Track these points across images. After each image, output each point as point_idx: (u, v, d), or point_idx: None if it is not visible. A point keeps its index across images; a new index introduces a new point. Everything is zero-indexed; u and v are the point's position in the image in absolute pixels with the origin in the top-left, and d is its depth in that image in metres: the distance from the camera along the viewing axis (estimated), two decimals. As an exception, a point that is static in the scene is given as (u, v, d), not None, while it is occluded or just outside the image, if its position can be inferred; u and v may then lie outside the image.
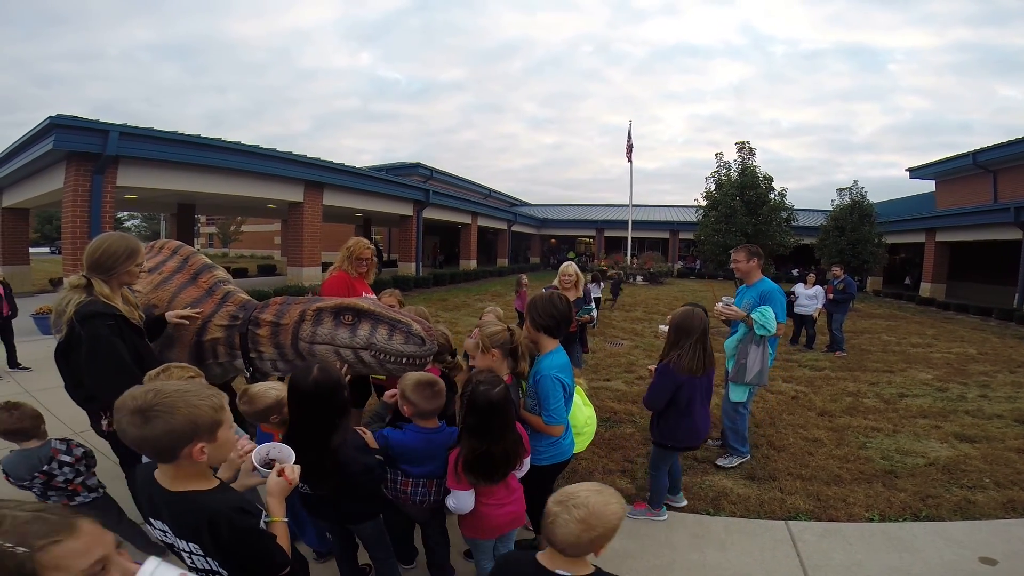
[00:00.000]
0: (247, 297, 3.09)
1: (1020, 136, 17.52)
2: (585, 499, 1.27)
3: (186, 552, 1.32)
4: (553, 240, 35.54)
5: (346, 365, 2.65)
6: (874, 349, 8.90)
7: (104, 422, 2.32)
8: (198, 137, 10.54)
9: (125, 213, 36.87)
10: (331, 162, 14.07)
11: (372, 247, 3.81)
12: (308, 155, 13.17)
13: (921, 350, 8.94)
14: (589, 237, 34.46)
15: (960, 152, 20.61)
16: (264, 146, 12.01)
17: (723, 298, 3.93)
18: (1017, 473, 3.75)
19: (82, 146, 8.60)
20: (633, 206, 25.51)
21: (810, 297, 8.74)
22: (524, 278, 7.87)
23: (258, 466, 1.53)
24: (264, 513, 1.40)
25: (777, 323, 3.69)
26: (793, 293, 8.74)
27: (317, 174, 13.47)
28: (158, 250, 3.36)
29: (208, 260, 3.26)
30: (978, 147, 19.57)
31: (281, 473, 1.47)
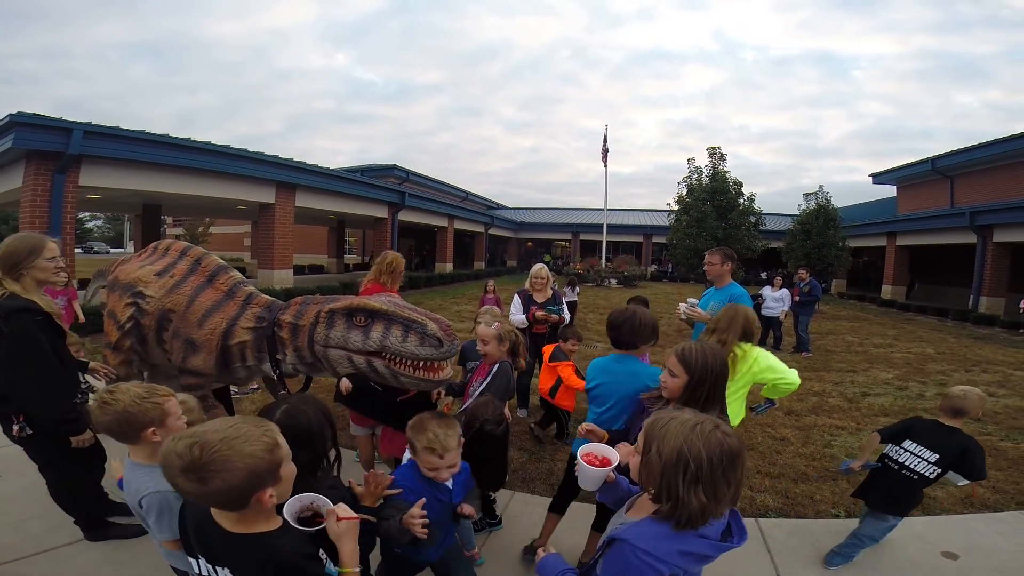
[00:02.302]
0: (270, 298, 3.00)
1: (975, 143, 18.41)
2: None
3: None
4: (530, 243, 35.69)
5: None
6: (838, 350, 9.21)
7: (15, 427, 2.25)
8: (166, 136, 10.30)
9: (87, 214, 35.56)
10: (304, 163, 13.87)
11: (404, 260, 4.22)
12: (281, 156, 12.99)
13: (883, 350, 9.28)
14: (565, 240, 34.75)
15: (920, 158, 21.55)
16: (236, 146, 11.80)
17: (688, 300, 3.92)
18: (972, 469, 3.92)
19: (44, 144, 8.35)
20: (608, 210, 25.81)
21: (777, 299, 8.99)
22: (491, 283, 7.91)
23: (295, 524, 1.34)
24: (326, 561, 1.31)
25: None
26: (760, 296, 8.99)
27: (289, 175, 13.28)
28: (163, 252, 3.22)
29: (221, 261, 3.16)
30: (936, 153, 20.50)
31: (338, 516, 1.35)
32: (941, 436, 2.55)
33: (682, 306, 3.85)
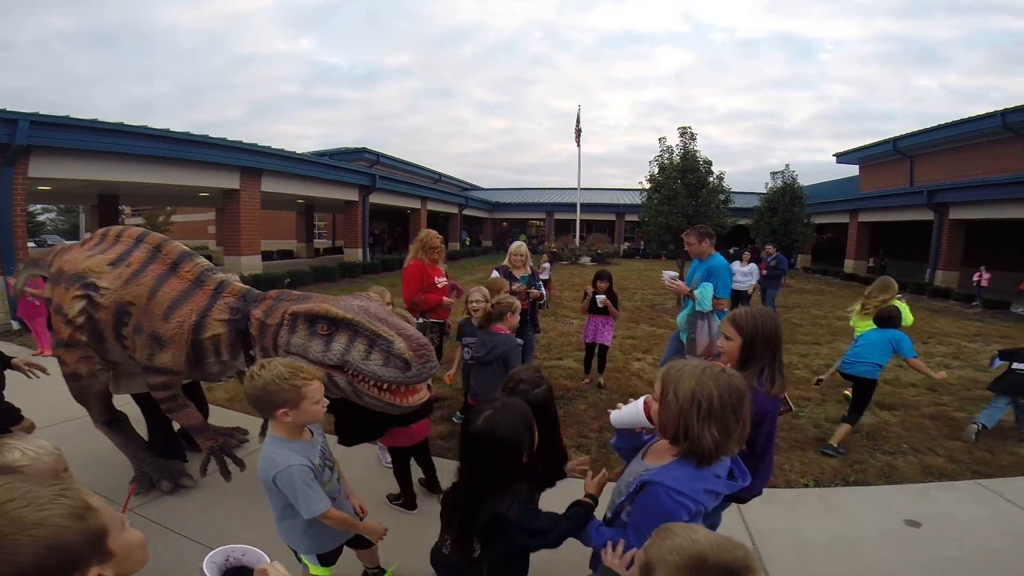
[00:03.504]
0: (244, 286, 2.75)
1: (934, 125, 19.10)
2: None
3: None
4: (504, 223, 35.60)
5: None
6: (804, 323, 9.54)
7: None
8: (121, 125, 9.90)
9: (39, 206, 33.82)
10: (269, 147, 13.47)
11: (440, 236, 4.46)
12: (244, 141, 12.59)
13: (845, 323, 9.54)
14: (540, 220, 34.78)
15: (881, 139, 22.28)
16: (196, 132, 11.39)
17: (667, 273, 4.19)
18: (931, 439, 4.13)
19: None
20: (581, 189, 25.91)
21: (745, 274, 9.27)
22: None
23: None
24: None
25: (718, 298, 3.89)
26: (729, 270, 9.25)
27: (254, 160, 12.91)
28: (114, 239, 2.90)
29: (185, 247, 2.88)
30: (897, 134, 21.19)
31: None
32: None
33: (664, 279, 4.19)
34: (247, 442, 3.73)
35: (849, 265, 20.79)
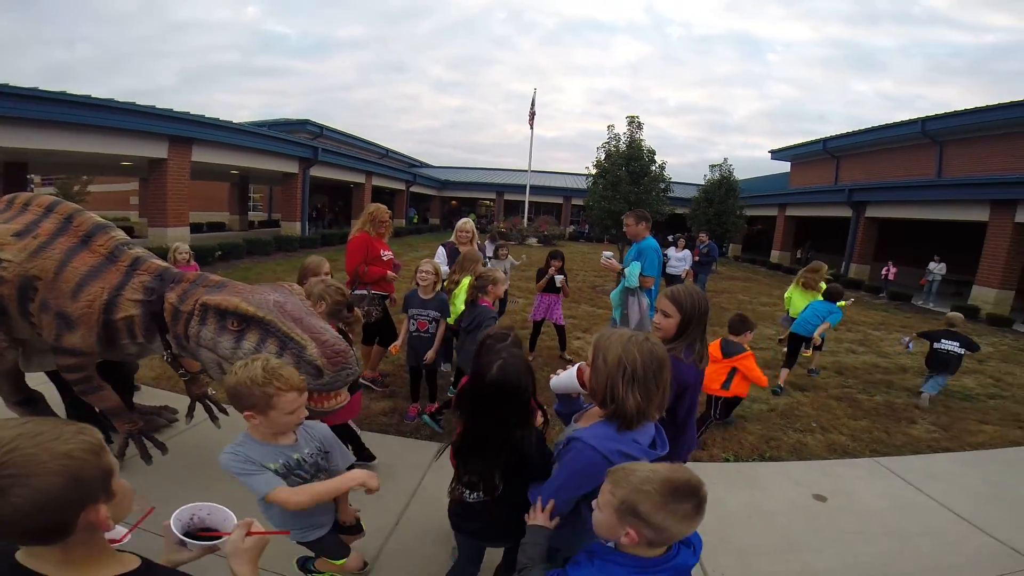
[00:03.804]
0: (163, 264, 2.57)
1: (862, 128, 20.53)
2: None
3: None
4: (454, 202, 35.20)
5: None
6: (731, 307, 10.13)
7: None
8: (35, 89, 9.10)
9: None
10: (202, 116, 12.60)
11: (390, 212, 4.51)
12: (175, 109, 11.81)
13: (768, 309, 10.36)
14: (490, 200, 34.65)
15: (813, 139, 23.73)
16: (121, 100, 10.55)
17: (605, 253, 4.64)
18: (836, 418, 4.55)
19: None
20: (532, 172, 26.00)
21: (679, 259, 9.90)
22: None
23: (181, 536, 1.14)
24: None
25: (645, 276, 4.20)
26: (665, 255, 9.81)
27: (185, 128, 12.11)
28: (20, 207, 2.67)
29: (100, 219, 2.68)
30: (828, 135, 22.63)
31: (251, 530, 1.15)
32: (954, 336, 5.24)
33: (604, 255, 4.61)
34: (175, 422, 3.55)
35: (775, 255, 22.15)
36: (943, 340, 5.23)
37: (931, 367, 5.25)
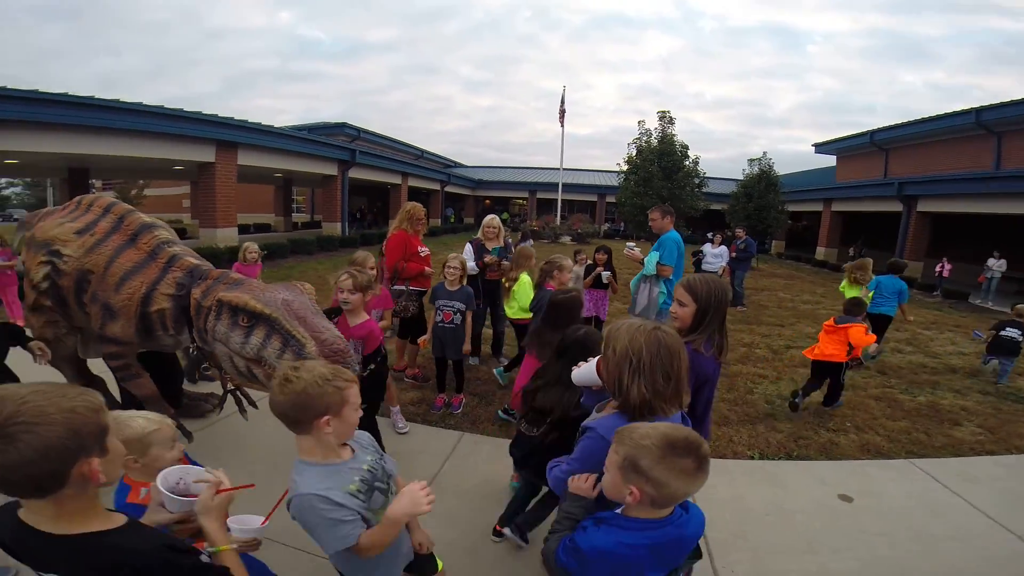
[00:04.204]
0: (196, 261, 2.75)
1: (912, 119, 19.48)
2: None
3: None
4: (487, 201, 35.48)
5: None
6: (771, 305, 9.88)
7: None
8: (91, 98, 9.80)
9: (3, 180, 32.52)
10: (245, 121, 13.27)
11: (425, 209, 4.65)
12: (220, 115, 12.46)
13: (810, 307, 10.01)
14: (522, 198, 34.76)
15: (860, 131, 22.62)
16: (169, 107, 11.24)
17: (628, 244, 4.81)
18: (873, 419, 4.38)
19: None
20: (564, 170, 25.92)
21: (716, 255, 9.59)
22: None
23: (168, 494, 1.17)
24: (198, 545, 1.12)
25: (663, 265, 4.33)
26: (701, 252, 9.66)
27: (230, 133, 12.76)
28: (85, 208, 2.95)
29: (149, 219, 2.91)
30: (875, 127, 21.56)
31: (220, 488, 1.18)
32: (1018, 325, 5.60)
33: (627, 246, 4.83)
34: (212, 412, 3.69)
35: (820, 252, 21.27)
36: (1008, 328, 5.62)
37: (993, 352, 5.67)
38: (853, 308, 4.65)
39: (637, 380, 1.40)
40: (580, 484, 1.44)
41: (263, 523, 1.32)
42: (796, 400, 4.35)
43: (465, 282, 4.03)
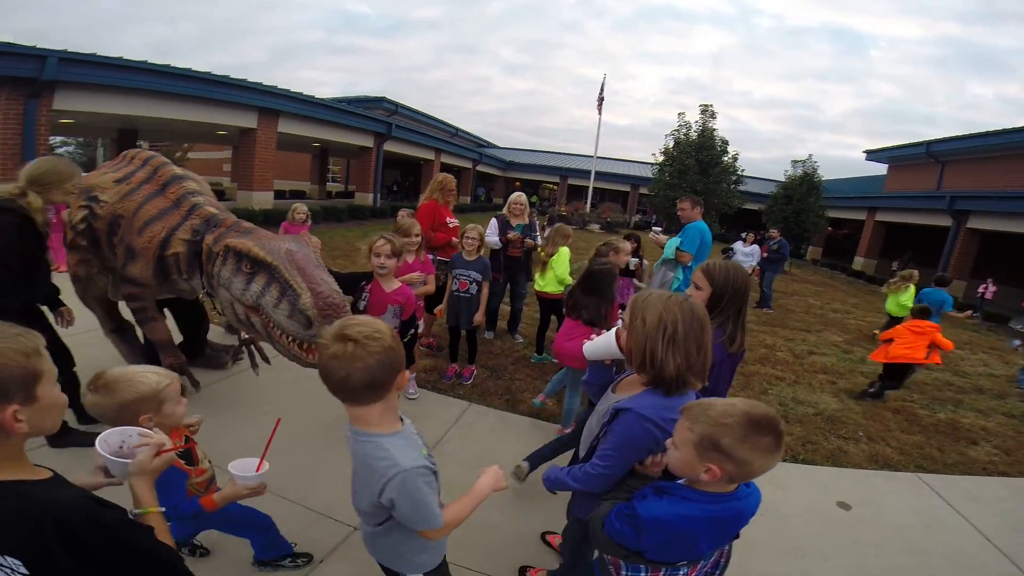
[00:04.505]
0: (215, 211, 2.83)
1: (974, 132, 18.42)
2: None
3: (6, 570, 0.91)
4: (517, 183, 35.34)
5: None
6: (798, 310, 9.65)
7: None
8: (145, 63, 10.30)
9: (58, 139, 34.02)
10: (288, 90, 13.61)
11: (456, 180, 4.79)
12: (264, 83, 12.93)
13: (840, 315, 9.75)
14: (553, 183, 34.50)
15: (916, 141, 21.50)
16: (217, 73, 11.68)
17: (654, 228, 4.96)
18: (888, 430, 4.28)
19: (17, 71, 8.49)
20: (598, 158, 25.56)
21: (747, 254, 9.38)
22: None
23: (110, 457, 1.11)
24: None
25: (681, 251, 4.39)
26: (732, 249, 9.45)
27: (273, 101, 13.15)
28: (128, 160, 3.17)
29: (180, 171, 3.07)
30: (933, 138, 20.45)
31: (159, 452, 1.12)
32: None
33: (655, 228, 5.09)
34: (229, 364, 3.79)
35: (859, 262, 20.52)
36: None
37: None
38: (921, 314, 5.09)
39: (672, 351, 1.34)
40: (652, 469, 1.42)
41: (259, 469, 1.36)
42: (870, 390, 4.98)
43: (484, 253, 4.12)
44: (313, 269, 2.28)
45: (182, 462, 1.57)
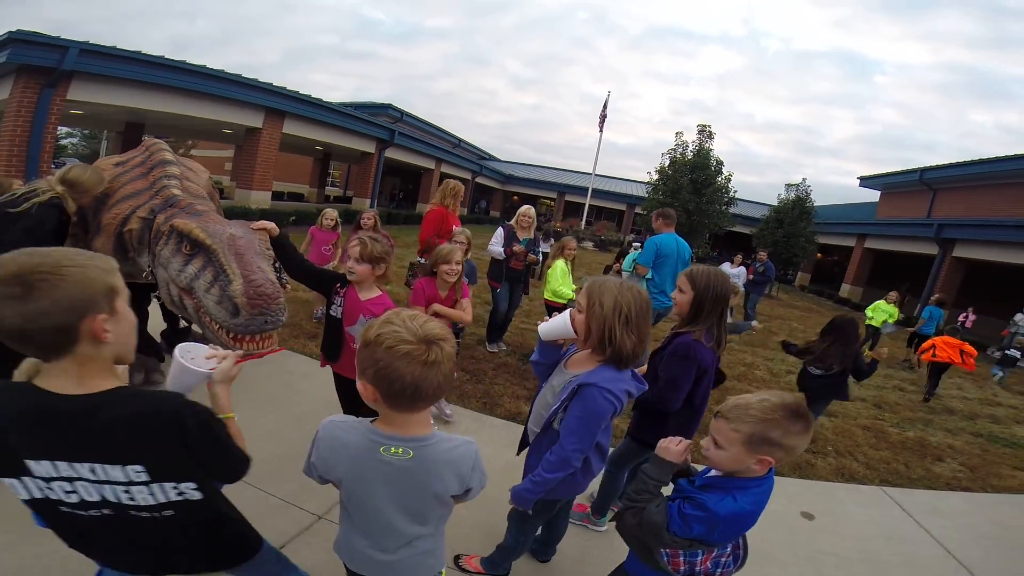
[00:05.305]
0: (177, 192, 2.73)
1: (966, 160, 18.71)
2: None
3: (122, 484, 1.00)
4: (515, 197, 35.67)
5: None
6: (781, 332, 9.83)
7: None
8: (160, 58, 10.54)
9: (64, 130, 34.16)
10: (296, 92, 13.81)
11: (462, 187, 4.85)
12: (273, 84, 13.12)
13: (823, 340, 9.92)
14: (550, 199, 34.83)
15: (910, 168, 21.73)
16: (230, 72, 11.91)
17: (634, 244, 5.37)
18: (856, 446, 4.41)
19: (38, 60, 8.70)
20: (596, 175, 25.93)
21: (733, 275, 9.62)
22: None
23: (189, 365, 1.23)
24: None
25: (637, 264, 4.78)
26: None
27: (279, 102, 13.33)
28: (140, 148, 3.23)
29: (170, 157, 3.03)
30: (927, 165, 20.76)
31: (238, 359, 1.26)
32: None
33: (634, 245, 5.37)
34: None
35: (845, 289, 20.64)
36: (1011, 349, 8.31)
37: (1002, 364, 8.27)
38: (952, 333, 6.72)
39: (628, 331, 1.56)
40: (671, 447, 1.44)
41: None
42: (928, 396, 6.37)
43: (470, 254, 4.18)
44: (252, 256, 2.16)
45: None
